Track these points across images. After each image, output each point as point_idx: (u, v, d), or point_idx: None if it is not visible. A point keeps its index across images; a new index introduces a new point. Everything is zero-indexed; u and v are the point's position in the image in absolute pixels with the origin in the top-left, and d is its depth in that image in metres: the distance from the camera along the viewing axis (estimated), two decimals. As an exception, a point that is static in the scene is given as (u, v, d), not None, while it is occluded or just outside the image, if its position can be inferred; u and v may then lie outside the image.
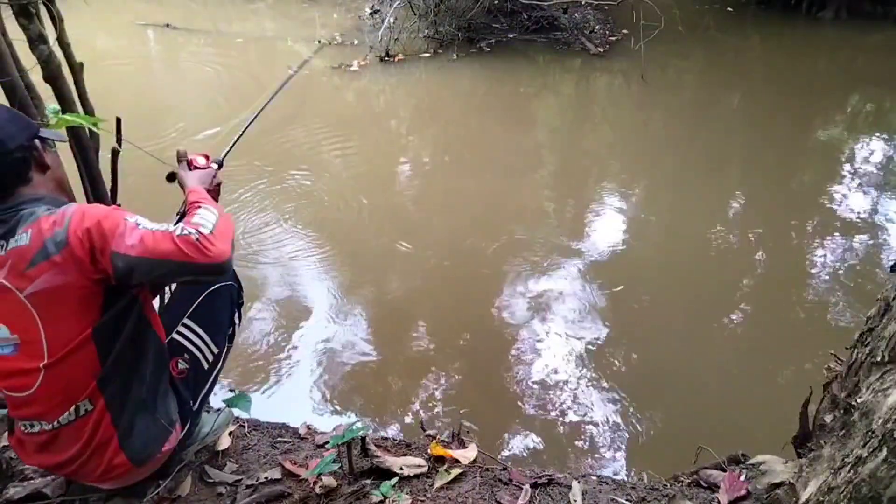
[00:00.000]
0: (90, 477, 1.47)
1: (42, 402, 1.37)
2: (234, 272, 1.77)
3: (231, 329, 1.76)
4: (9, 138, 1.33)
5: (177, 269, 1.30)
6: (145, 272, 1.29)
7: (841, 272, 3.44)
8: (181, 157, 1.67)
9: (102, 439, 1.42)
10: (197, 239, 1.29)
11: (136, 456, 1.48)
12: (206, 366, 1.66)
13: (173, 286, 1.75)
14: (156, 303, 1.67)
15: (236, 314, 1.78)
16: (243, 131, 1.83)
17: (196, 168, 1.67)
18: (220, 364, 1.72)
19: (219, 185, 1.73)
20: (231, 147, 1.83)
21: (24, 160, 1.36)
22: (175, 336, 1.63)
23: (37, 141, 1.41)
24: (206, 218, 1.36)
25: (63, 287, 1.29)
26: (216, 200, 1.62)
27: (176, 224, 1.36)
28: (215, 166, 1.71)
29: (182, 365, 1.61)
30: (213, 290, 1.68)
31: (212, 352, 1.67)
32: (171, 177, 1.69)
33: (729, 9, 9.17)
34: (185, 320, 1.64)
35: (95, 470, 1.45)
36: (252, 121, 1.83)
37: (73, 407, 1.38)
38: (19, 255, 1.28)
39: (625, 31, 7.83)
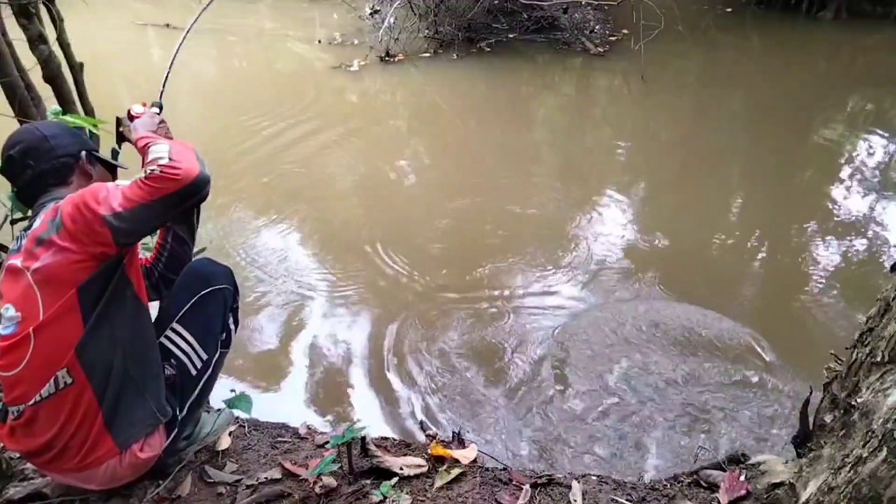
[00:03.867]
0: (70, 462, 1.45)
1: (28, 377, 1.39)
2: (231, 274, 1.76)
3: (225, 334, 1.74)
4: (60, 146, 1.52)
5: (163, 206, 1.37)
6: (139, 222, 1.36)
7: (841, 272, 3.43)
8: (121, 120, 1.70)
9: (85, 416, 1.42)
10: (161, 171, 1.34)
11: (121, 435, 1.46)
12: (193, 372, 1.64)
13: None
14: (152, 307, 1.66)
15: (231, 319, 1.76)
16: (169, 69, 1.87)
17: (136, 117, 1.66)
18: (210, 370, 1.69)
19: (165, 127, 1.69)
20: (163, 88, 1.83)
21: (67, 164, 1.53)
22: (162, 340, 1.61)
23: (84, 153, 1.57)
24: (158, 152, 1.40)
25: (60, 263, 1.36)
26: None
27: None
28: (156, 109, 1.69)
29: (168, 370, 1.60)
30: (205, 293, 1.65)
31: (200, 358, 1.65)
32: (120, 138, 1.72)
33: (728, 9, 9.17)
34: (174, 324, 1.63)
35: (77, 454, 1.44)
36: (174, 56, 1.88)
37: (53, 378, 1.38)
38: (31, 238, 1.40)
39: (625, 31, 7.84)
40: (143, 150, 1.47)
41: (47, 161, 1.49)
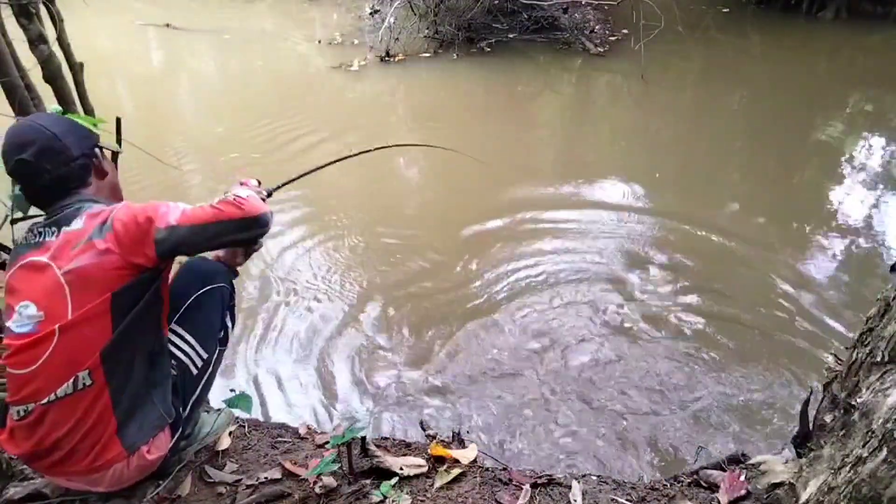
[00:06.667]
0: (78, 465, 1.44)
1: (44, 375, 1.37)
2: (227, 273, 1.76)
3: (223, 332, 1.74)
4: (73, 146, 1.48)
5: (219, 230, 1.44)
6: (188, 238, 1.41)
7: (841, 272, 3.43)
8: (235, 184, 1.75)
9: (99, 419, 1.42)
10: (233, 198, 1.46)
11: (130, 438, 1.47)
12: (195, 371, 1.64)
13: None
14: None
15: (228, 316, 1.76)
16: (296, 178, 1.96)
17: (243, 184, 1.72)
18: (210, 368, 1.70)
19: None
20: (281, 186, 1.91)
21: (86, 166, 1.51)
22: None
23: (97, 150, 1.56)
24: (238, 192, 1.52)
25: (99, 266, 1.37)
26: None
27: None
28: (264, 192, 1.75)
29: (171, 370, 1.60)
30: (202, 292, 1.66)
31: (201, 357, 1.65)
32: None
33: (725, 10, 9.17)
34: (173, 325, 1.62)
35: (86, 456, 1.43)
36: (304, 175, 1.97)
37: (73, 378, 1.38)
38: (69, 238, 1.40)
39: (625, 31, 7.84)
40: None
41: (65, 163, 1.46)
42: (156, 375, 1.52)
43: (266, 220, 1.49)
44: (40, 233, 1.44)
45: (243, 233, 1.47)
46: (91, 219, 1.41)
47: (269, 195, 1.78)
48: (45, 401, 1.38)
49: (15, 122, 1.52)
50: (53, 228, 1.43)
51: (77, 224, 1.41)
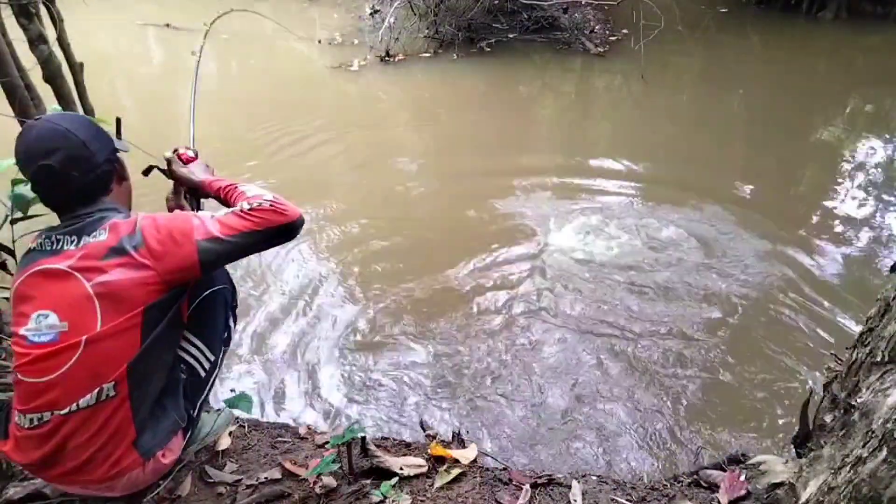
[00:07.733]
0: (93, 475, 1.43)
1: (65, 385, 1.34)
2: (228, 275, 1.78)
3: (226, 333, 1.76)
4: (98, 152, 1.44)
5: (262, 238, 1.44)
6: (233, 248, 1.42)
7: (841, 272, 3.43)
8: (170, 159, 1.78)
9: (118, 430, 1.41)
10: (270, 205, 1.44)
11: (146, 446, 1.48)
12: (203, 374, 1.66)
13: None
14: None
15: (231, 317, 1.78)
16: (193, 124, 2.02)
17: (189, 160, 1.75)
18: (217, 369, 1.72)
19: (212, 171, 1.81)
20: (192, 141, 1.97)
21: (109, 172, 1.48)
22: None
23: (118, 154, 1.53)
24: (256, 191, 1.51)
25: (134, 281, 1.36)
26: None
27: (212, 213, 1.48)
28: (202, 161, 1.78)
29: (181, 375, 1.62)
30: (206, 295, 1.66)
31: (208, 359, 1.66)
32: (147, 171, 1.79)
33: (725, 10, 9.17)
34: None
35: (102, 465, 1.42)
36: (193, 117, 2.06)
37: (98, 389, 1.35)
38: (95, 248, 1.36)
39: (625, 31, 7.85)
40: (227, 189, 1.60)
41: (91, 170, 1.41)
42: (169, 382, 1.54)
43: (303, 220, 1.50)
44: (58, 240, 1.39)
45: (284, 236, 1.47)
46: (115, 230, 1.38)
47: (196, 154, 1.82)
48: (65, 411, 1.35)
49: (34, 120, 1.43)
50: (73, 237, 1.38)
51: (101, 235, 1.38)
